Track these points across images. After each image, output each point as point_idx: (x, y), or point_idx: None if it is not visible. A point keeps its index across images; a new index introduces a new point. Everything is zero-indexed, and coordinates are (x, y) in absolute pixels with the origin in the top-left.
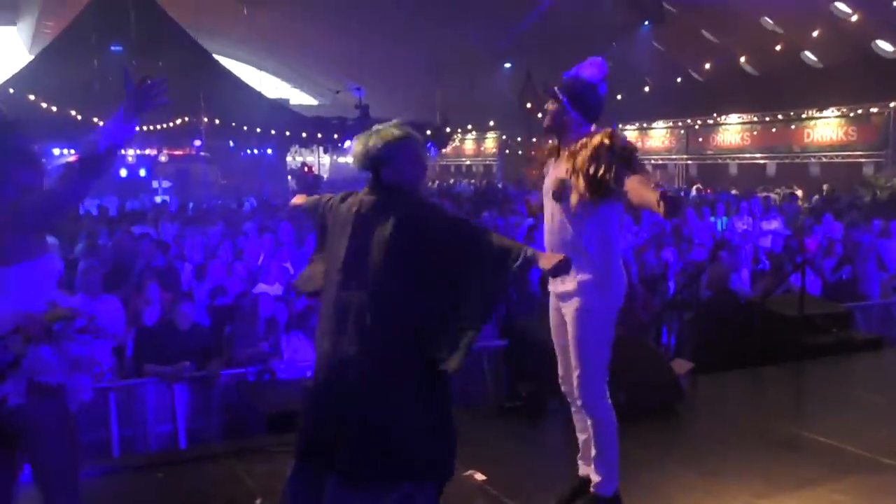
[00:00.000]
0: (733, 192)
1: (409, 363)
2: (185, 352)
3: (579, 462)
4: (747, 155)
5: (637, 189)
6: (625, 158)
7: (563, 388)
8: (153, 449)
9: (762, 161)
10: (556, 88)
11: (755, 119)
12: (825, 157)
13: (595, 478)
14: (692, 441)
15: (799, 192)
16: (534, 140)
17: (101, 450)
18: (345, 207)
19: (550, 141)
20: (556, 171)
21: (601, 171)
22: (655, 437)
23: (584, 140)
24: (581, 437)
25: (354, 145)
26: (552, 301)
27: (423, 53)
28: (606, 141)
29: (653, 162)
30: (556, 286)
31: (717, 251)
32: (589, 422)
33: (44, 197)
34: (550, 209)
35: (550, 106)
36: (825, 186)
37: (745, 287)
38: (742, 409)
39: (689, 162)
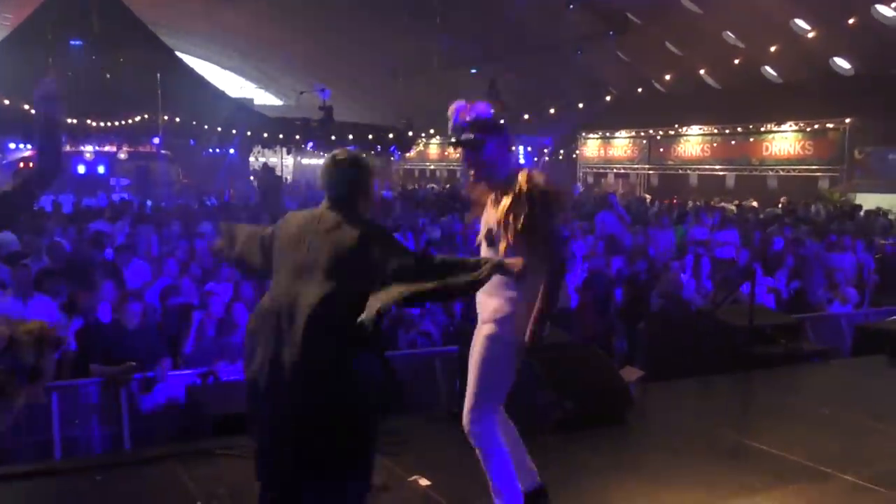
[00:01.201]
0: (689, 203)
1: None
2: (132, 351)
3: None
4: (707, 166)
5: None
6: (546, 203)
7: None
8: (96, 451)
9: (721, 173)
10: (471, 136)
11: (715, 131)
12: (782, 170)
13: None
14: (638, 448)
15: (755, 204)
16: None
17: (42, 451)
18: (294, 225)
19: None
20: (487, 215)
21: (522, 220)
22: (602, 445)
23: (506, 186)
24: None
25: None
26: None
27: (388, 57)
28: (524, 187)
29: (615, 171)
30: (480, 308)
31: (669, 261)
32: (476, 450)
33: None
34: (484, 249)
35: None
36: (782, 199)
37: (696, 296)
38: (690, 417)
39: (651, 172)
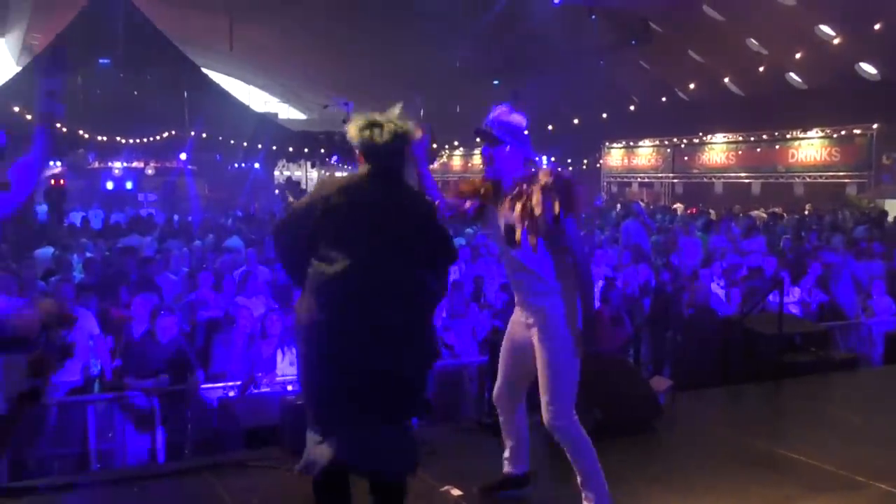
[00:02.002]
0: (711, 212)
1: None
2: (165, 365)
3: (504, 461)
4: (732, 174)
5: None
6: (568, 194)
7: (496, 401)
8: (131, 463)
9: (747, 180)
10: (493, 130)
11: (740, 139)
12: (809, 177)
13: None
14: (668, 458)
15: (778, 210)
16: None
17: (79, 463)
18: (347, 198)
19: (487, 182)
20: (504, 216)
21: (550, 211)
22: (631, 454)
23: (526, 183)
24: (509, 444)
25: (356, 129)
26: (517, 316)
27: (410, 69)
28: (549, 180)
29: (639, 180)
30: (524, 313)
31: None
32: (565, 447)
33: None
34: (506, 252)
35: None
36: (808, 206)
37: (724, 304)
38: (719, 426)
39: (675, 180)
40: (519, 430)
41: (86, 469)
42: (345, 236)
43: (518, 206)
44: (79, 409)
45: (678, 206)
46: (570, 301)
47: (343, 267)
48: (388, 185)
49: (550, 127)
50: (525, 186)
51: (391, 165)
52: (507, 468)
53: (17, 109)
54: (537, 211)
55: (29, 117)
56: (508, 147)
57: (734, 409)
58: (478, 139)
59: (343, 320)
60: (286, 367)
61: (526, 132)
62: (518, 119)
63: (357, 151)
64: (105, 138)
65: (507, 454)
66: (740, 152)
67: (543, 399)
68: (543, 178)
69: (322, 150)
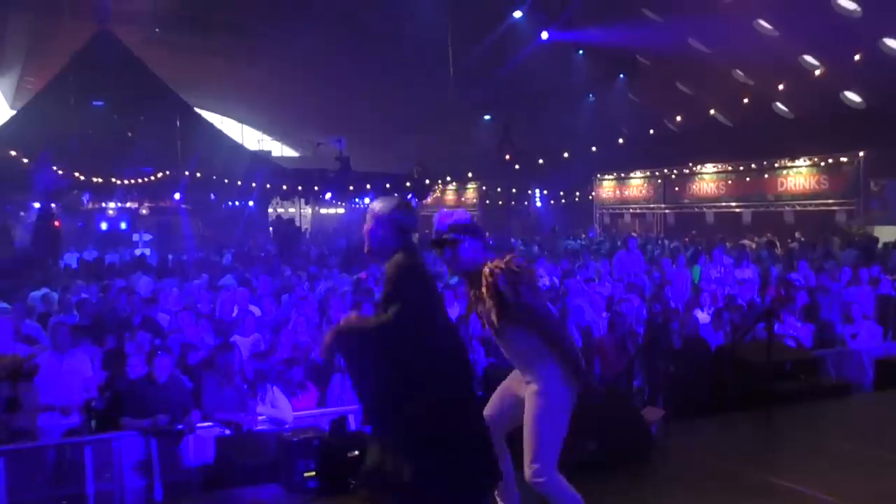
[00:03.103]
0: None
1: None
2: (163, 404)
3: (496, 498)
4: (723, 203)
5: None
6: (512, 283)
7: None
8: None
9: (738, 209)
10: (451, 235)
11: (729, 168)
12: (799, 205)
13: None
14: (662, 488)
15: (771, 237)
16: (513, 191)
17: None
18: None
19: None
20: (480, 309)
21: (496, 304)
22: (625, 485)
23: (477, 275)
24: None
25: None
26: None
27: (401, 106)
28: (489, 278)
29: (631, 211)
30: (522, 372)
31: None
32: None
33: None
34: (498, 341)
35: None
36: (797, 234)
37: (713, 334)
38: (712, 455)
39: (667, 211)
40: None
41: None
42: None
43: (483, 295)
44: (76, 450)
45: (749, 242)
46: (572, 358)
47: None
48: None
49: (541, 161)
50: (477, 280)
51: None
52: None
53: (13, 154)
54: (490, 310)
55: (25, 161)
56: (465, 243)
57: (727, 438)
58: (436, 250)
59: None
60: (282, 406)
61: (474, 223)
62: (462, 214)
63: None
64: (100, 179)
65: (497, 492)
66: (730, 182)
67: (527, 457)
68: (485, 276)
69: (315, 188)
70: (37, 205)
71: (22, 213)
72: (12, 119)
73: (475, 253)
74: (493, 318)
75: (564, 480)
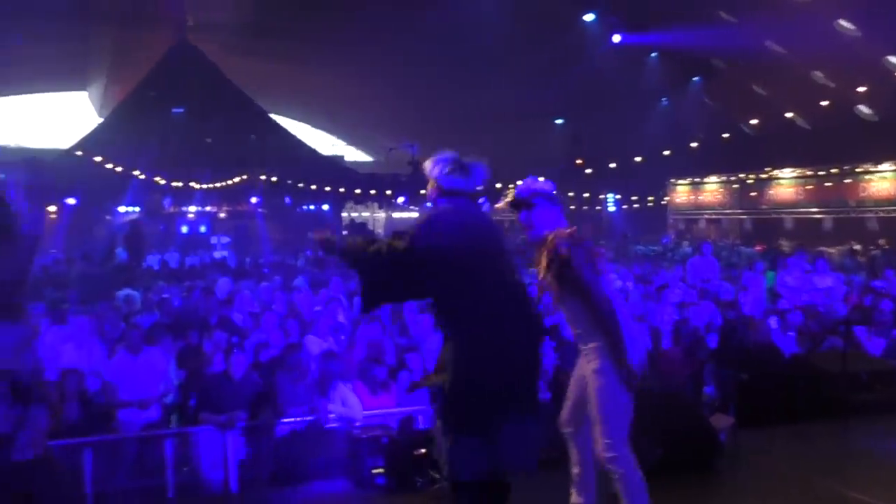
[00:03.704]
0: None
1: None
2: (238, 400)
3: (572, 491)
4: (802, 209)
5: None
6: (573, 249)
7: (563, 429)
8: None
9: (818, 216)
10: (523, 196)
11: (809, 173)
12: (882, 211)
13: None
14: (730, 496)
15: (857, 247)
16: (584, 195)
17: (156, 496)
18: None
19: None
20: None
21: (555, 268)
22: (692, 493)
23: (541, 243)
24: (575, 470)
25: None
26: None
27: (473, 110)
28: (552, 245)
29: (706, 216)
30: (579, 345)
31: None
32: (614, 477)
33: None
34: (554, 304)
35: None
36: (881, 241)
37: (788, 342)
38: (784, 465)
39: (744, 216)
40: (583, 452)
41: (163, 501)
42: None
43: (543, 263)
44: (156, 443)
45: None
46: (616, 340)
47: None
48: None
49: (613, 165)
50: (540, 248)
51: None
52: (574, 498)
53: (98, 160)
54: (547, 277)
55: (110, 166)
56: (538, 207)
57: (798, 447)
58: (514, 210)
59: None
60: (352, 403)
61: (554, 192)
62: (546, 183)
63: None
64: (180, 184)
65: (574, 480)
66: (809, 187)
67: (596, 435)
68: (549, 243)
69: (388, 192)
70: (122, 209)
71: (108, 217)
72: (98, 127)
73: (549, 219)
74: (552, 282)
75: (635, 461)
